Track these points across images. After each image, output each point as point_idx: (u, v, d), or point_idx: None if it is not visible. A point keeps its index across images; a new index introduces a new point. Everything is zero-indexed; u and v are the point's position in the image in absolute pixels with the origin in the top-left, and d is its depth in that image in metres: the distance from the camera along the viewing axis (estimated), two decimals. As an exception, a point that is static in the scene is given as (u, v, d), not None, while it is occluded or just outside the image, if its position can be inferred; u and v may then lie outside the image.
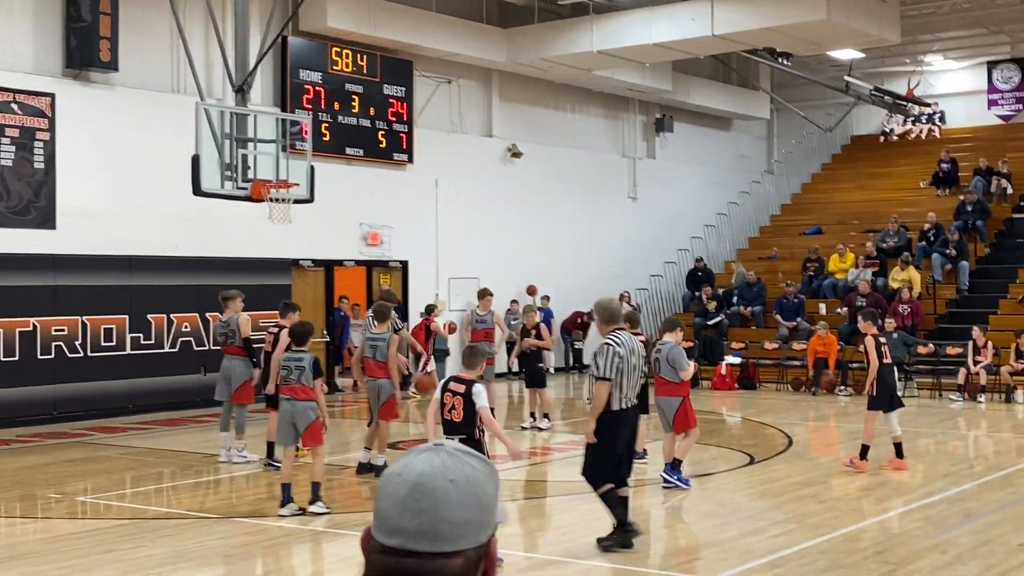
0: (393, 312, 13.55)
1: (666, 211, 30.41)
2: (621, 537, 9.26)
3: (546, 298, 25.83)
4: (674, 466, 12.04)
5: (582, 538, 9.71)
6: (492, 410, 9.05)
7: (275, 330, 13.44)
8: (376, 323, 13.19)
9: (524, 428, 17.03)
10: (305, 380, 10.77)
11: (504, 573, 8.45)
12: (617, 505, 9.27)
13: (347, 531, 10.19)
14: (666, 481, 11.97)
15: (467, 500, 1.77)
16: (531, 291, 25.63)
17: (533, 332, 17.20)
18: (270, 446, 13.34)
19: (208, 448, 14.91)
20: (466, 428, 8.74)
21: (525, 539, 10.01)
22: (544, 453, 15.29)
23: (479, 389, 8.79)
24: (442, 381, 9.17)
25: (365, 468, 12.93)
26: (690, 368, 12.30)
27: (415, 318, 23.44)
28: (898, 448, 13.18)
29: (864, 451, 13.08)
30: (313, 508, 10.70)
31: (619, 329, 9.39)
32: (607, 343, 9.27)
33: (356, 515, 11.04)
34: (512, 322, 22.73)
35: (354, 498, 12.32)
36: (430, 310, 22.51)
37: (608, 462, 9.28)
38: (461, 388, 8.75)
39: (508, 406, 20.54)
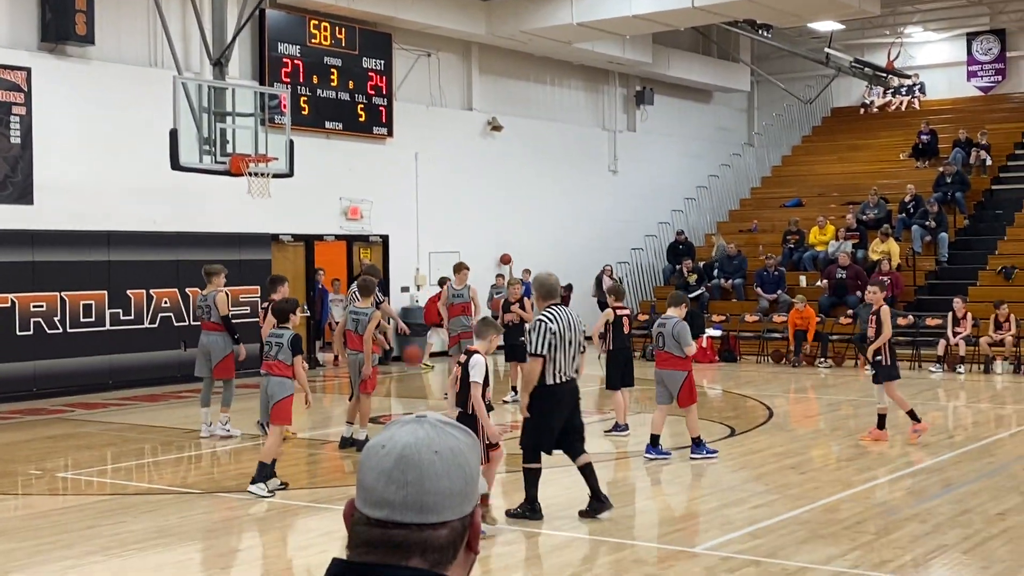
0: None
1: (646, 184, 30.41)
2: (594, 506, 9.41)
3: (527, 271, 25.73)
4: (697, 443, 12.19)
5: (564, 510, 9.74)
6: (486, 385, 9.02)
7: (266, 305, 13.45)
8: (360, 297, 13.18)
9: (506, 401, 17.04)
10: (283, 357, 10.74)
11: (486, 544, 8.47)
12: (532, 485, 9.43)
13: (330, 505, 10.19)
14: (696, 457, 12.12)
15: (452, 471, 1.77)
16: (505, 260, 25.52)
17: (515, 305, 17.17)
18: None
19: (189, 424, 14.88)
20: (461, 401, 8.83)
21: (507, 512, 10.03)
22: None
23: (475, 361, 8.84)
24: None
25: (347, 442, 12.92)
26: (694, 344, 12.45)
27: (396, 293, 23.44)
28: (881, 419, 13.24)
29: (912, 415, 13.11)
30: (252, 488, 10.42)
31: (555, 304, 9.42)
32: (540, 319, 9.34)
33: (338, 489, 11.05)
34: (496, 295, 22.71)
35: (336, 472, 12.32)
36: (442, 282, 22.48)
37: (543, 436, 9.38)
38: (463, 359, 8.91)
39: (495, 380, 20.50)
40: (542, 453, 9.47)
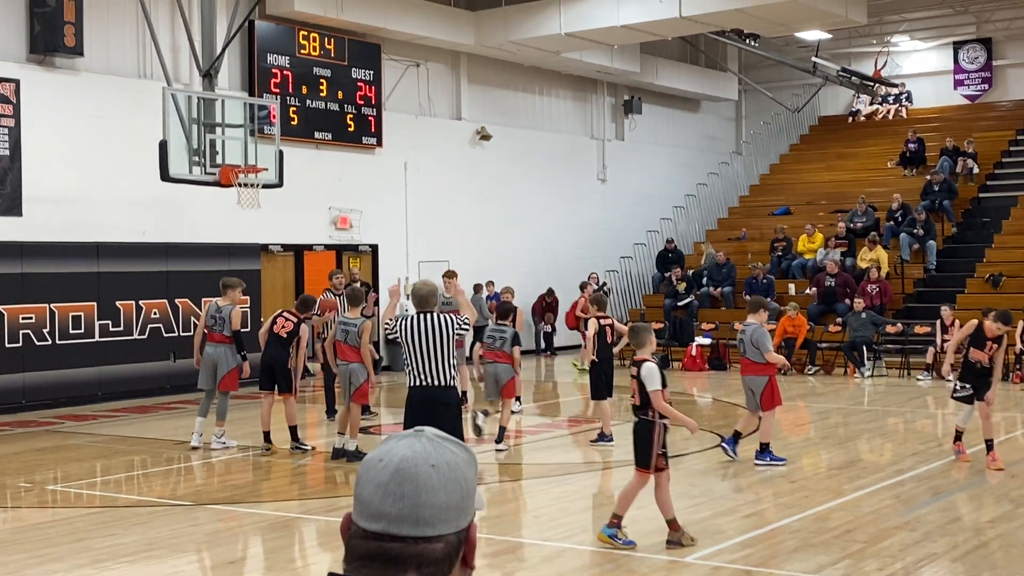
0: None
1: (635, 193, 30.47)
2: None
3: (491, 283, 25.22)
4: (763, 449, 12.21)
5: (555, 520, 9.75)
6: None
7: (292, 318, 13.72)
8: (349, 307, 13.23)
9: (497, 412, 17.01)
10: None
11: (478, 553, 8.46)
12: None
13: (322, 516, 10.19)
14: (760, 463, 12.14)
15: (448, 485, 1.78)
16: (477, 289, 24.86)
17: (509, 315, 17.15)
18: (293, 430, 13.54)
19: (179, 435, 14.85)
20: (643, 411, 8.87)
21: (499, 521, 10.03)
22: (517, 436, 15.31)
23: (647, 370, 8.87)
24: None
25: (339, 453, 12.92)
26: (773, 350, 12.50)
27: (385, 302, 23.42)
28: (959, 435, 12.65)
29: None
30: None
31: (423, 312, 9.39)
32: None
33: (330, 500, 11.04)
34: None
35: (328, 483, 12.31)
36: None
37: None
38: (634, 370, 8.94)
39: (479, 389, 20.52)
40: None
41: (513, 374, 13.64)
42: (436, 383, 9.32)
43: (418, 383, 9.34)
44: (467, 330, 9.73)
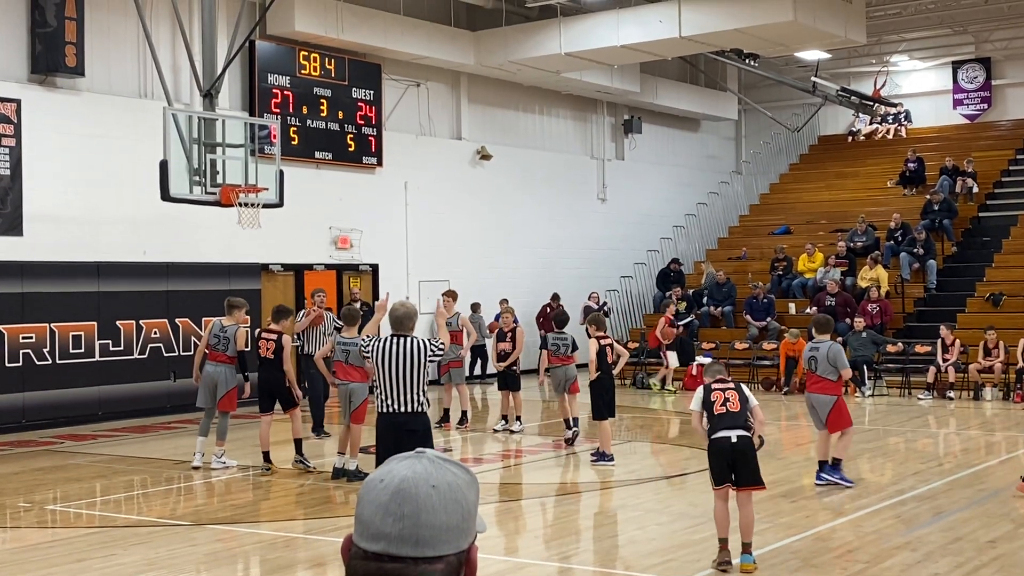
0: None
1: (635, 212, 30.50)
2: None
3: (503, 301, 25.26)
4: (834, 465, 12.07)
5: (556, 540, 9.73)
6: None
7: (272, 336, 13.68)
8: (346, 327, 13.24)
9: (496, 431, 17.03)
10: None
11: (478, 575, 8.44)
12: None
13: (321, 537, 10.16)
14: (824, 481, 11.99)
15: (449, 506, 1.78)
16: (475, 308, 24.92)
17: (508, 334, 17.19)
18: (298, 444, 13.59)
19: (178, 455, 14.83)
20: (745, 426, 8.87)
21: (501, 541, 10.01)
22: (517, 456, 15.29)
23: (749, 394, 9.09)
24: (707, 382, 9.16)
25: (339, 473, 12.90)
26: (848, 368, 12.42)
27: (385, 321, 23.46)
28: None
29: None
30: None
31: (398, 335, 9.19)
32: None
33: (329, 520, 11.02)
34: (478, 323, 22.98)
35: (327, 503, 12.28)
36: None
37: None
38: (731, 383, 9.02)
39: (483, 408, 20.52)
40: None
41: (577, 374, 15.65)
42: (404, 409, 9.07)
43: (385, 409, 9.12)
44: (442, 353, 9.46)
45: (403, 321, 9.24)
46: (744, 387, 9.05)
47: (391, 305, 9.51)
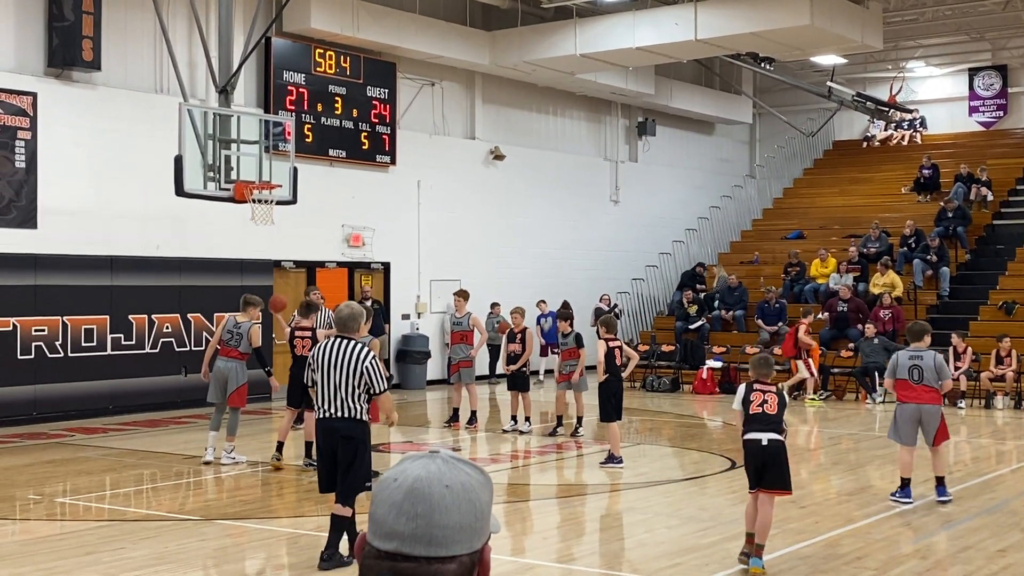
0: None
1: (648, 214, 30.48)
2: (324, 555, 8.85)
3: (542, 302, 25.70)
4: (941, 483, 11.68)
5: (564, 541, 9.72)
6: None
7: (307, 334, 13.69)
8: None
9: (505, 431, 17.03)
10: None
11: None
12: (334, 528, 8.80)
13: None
14: (946, 497, 11.59)
15: (462, 505, 1.78)
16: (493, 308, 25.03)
17: (519, 336, 17.19)
18: (308, 446, 13.44)
19: (189, 449, 14.87)
20: (780, 429, 8.92)
21: (509, 542, 10.01)
22: (526, 456, 15.29)
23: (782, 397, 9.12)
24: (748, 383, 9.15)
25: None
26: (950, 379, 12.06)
27: (396, 320, 23.51)
28: None
29: None
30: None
31: (342, 336, 8.90)
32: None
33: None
34: (496, 324, 22.96)
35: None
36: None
37: (322, 471, 9.00)
38: (772, 388, 9.02)
39: (490, 408, 20.52)
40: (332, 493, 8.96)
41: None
42: (339, 414, 8.73)
43: (321, 414, 8.84)
44: (375, 366, 8.75)
45: (347, 323, 8.94)
46: (785, 393, 9.01)
47: (336, 307, 9.32)
